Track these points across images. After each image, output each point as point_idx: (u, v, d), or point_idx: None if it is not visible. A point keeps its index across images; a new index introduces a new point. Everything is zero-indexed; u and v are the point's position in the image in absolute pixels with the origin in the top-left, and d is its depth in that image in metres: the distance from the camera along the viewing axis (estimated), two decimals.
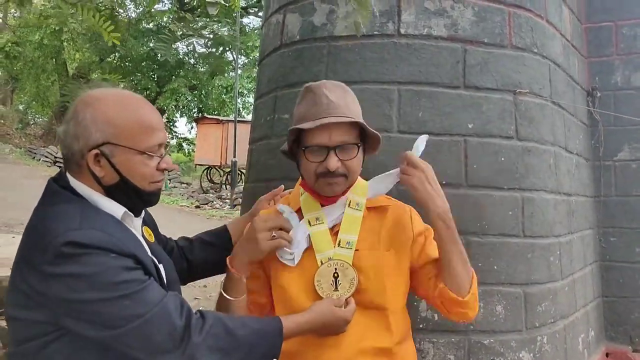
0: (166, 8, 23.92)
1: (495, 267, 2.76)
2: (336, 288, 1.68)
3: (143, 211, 1.60)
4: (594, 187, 4.08)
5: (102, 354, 1.33)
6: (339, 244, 1.71)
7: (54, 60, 22.54)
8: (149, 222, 1.72)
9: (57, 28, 19.56)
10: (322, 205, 1.76)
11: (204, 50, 25.77)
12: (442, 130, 2.76)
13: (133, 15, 24.10)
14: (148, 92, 24.58)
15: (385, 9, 2.81)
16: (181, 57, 24.73)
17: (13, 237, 8.28)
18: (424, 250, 1.81)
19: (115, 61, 23.75)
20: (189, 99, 24.34)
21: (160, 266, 1.53)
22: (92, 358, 1.33)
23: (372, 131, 1.74)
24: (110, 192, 1.43)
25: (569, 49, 3.63)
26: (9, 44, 22.19)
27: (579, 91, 3.85)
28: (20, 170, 16.85)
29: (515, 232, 2.83)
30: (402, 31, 2.80)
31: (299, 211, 1.79)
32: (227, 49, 23.48)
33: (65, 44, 22.30)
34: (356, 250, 1.72)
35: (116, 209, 1.45)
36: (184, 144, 27.13)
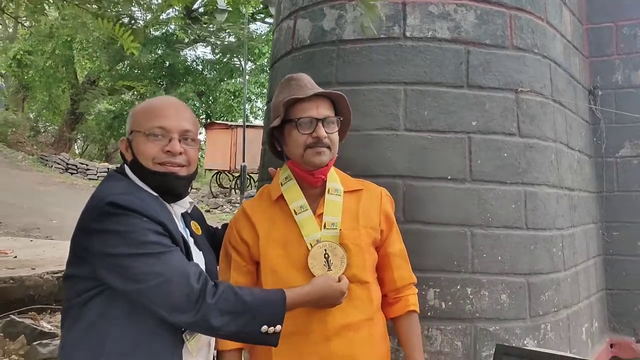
0: (173, 15, 24.21)
1: (500, 258, 2.89)
2: (329, 268, 1.84)
3: (188, 204, 1.84)
4: (597, 183, 4.20)
5: (130, 309, 1.51)
6: (324, 227, 1.89)
7: (64, 68, 22.81)
8: (198, 217, 1.96)
9: (68, 38, 19.83)
10: (310, 188, 1.95)
11: (211, 56, 26.05)
12: (446, 127, 2.89)
13: (141, 22, 24.40)
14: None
15: (391, 13, 2.96)
16: (189, 63, 24.95)
17: (31, 240, 8.47)
18: (387, 239, 2.06)
19: (124, 69, 24.00)
20: (197, 104, 24.56)
21: (198, 251, 1.76)
22: (122, 314, 1.51)
23: (348, 107, 2.02)
24: (132, 170, 1.70)
25: (570, 49, 3.76)
26: (21, 52, 22.48)
27: (580, 90, 3.98)
28: (33, 177, 17.10)
29: (518, 224, 2.95)
30: (408, 34, 2.95)
31: (279, 199, 1.95)
32: (235, 55, 23.71)
33: (75, 52, 22.58)
34: (341, 230, 1.90)
35: (151, 192, 1.72)
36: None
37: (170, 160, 1.69)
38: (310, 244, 1.86)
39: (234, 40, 23.81)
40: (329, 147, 1.90)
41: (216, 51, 25.07)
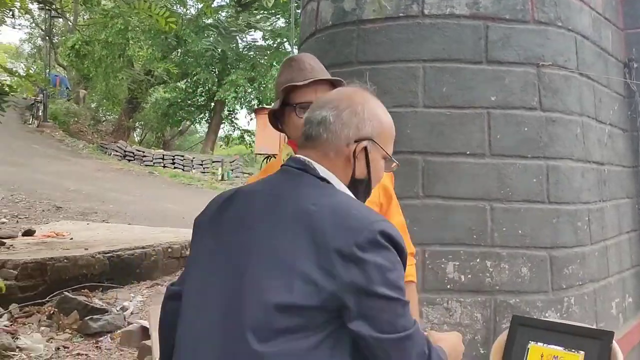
0: (224, 3, 24.56)
1: (520, 232, 2.92)
2: None
3: None
4: (632, 157, 4.12)
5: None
6: None
7: (120, 58, 23.51)
8: None
9: (122, 27, 20.40)
10: None
11: (261, 42, 26.32)
12: (465, 103, 2.93)
13: (193, 11, 24.88)
14: (209, 85, 25.31)
15: None
16: (240, 50, 25.26)
17: (87, 224, 8.91)
18: (387, 212, 2.12)
19: (177, 57, 24.53)
20: (248, 90, 24.89)
21: None
22: None
23: None
24: (354, 183, 1.45)
25: (600, 21, 3.70)
26: (79, 43, 23.26)
27: (613, 63, 3.90)
28: (93, 164, 17.80)
29: (539, 198, 2.97)
30: (426, 12, 2.99)
31: None
32: (284, 40, 23.87)
33: (131, 41, 23.22)
34: None
35: None
36: (245, 136, 27.77)
37: None
38: None
39: (283, 25, 23.97)
40: None
41: (265, 37, 25.31)
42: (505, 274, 2.90)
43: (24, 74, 3.55)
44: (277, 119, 2.07)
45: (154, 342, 2.71)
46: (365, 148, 1.41)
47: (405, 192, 2.89)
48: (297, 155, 1.47)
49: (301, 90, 1.94)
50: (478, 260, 2.89)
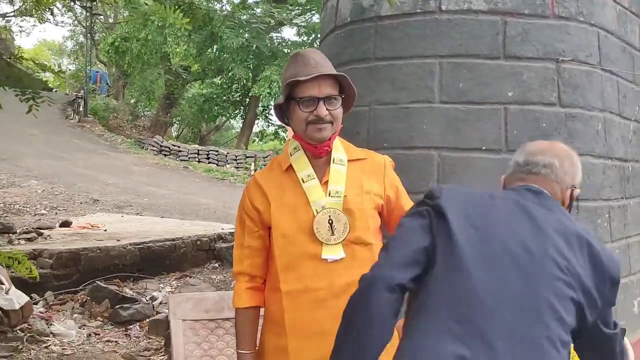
0: None
1: None
2: (332, 232, 1.98)
3: None
4: None
5: None
6: (329, 194, 2.01)
7: (157, 54, 23.90)
8: None
9: (159, 24, 20.74)
10: (316, 158, 2.06)
11: (296, 38, 26.44)
12: (481, 99, 2.94)
13: (228, 7, 25.12)
14: (244, 81, 25.53)
15: None
16: (275, 45, 25.40)
17: (122, 216, 9.14)
18: (398, 202, 2.14)
19: (212, 53, 24.80)
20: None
21: None
22: None
23: (351, 86, 2.04)
24: None
25: (626, 15, 3.64)
26: (118, 40, 23.75)
27: None
28: (130, 158, 18.17)
29: None
30: (443, 7, 3.00)
31: (288, 169, 2.08)
32: (319, 35, 23.96)
33: (168, 39, 23.60)
34: (345, 196, 2.02)
35: None
36: (279, 131, 27.96)
37: None
38: (316, 210, 2.00)
39: (317, 20, 24.04)
40: (330, 122, 1.99)
41: (300, 32, 25.41)
42: None
43: (57, 70, 3.68)
44: (283, 113, 2.12)
45: (173, 328, 2.80)
46: (572, 193, 1.75)
47: (420, 186, 2.91)
48: (532, 185, 1.73)
49: (304, 85, 1.96)
50: None
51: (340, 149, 2.11)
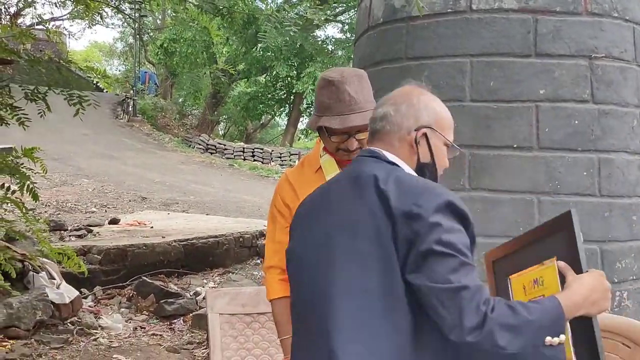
0: None
1: None
2: None
3: None
4: None
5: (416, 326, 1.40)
6: None
7: (204, 54, 24.34)
8: None
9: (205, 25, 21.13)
10: (341, 166, 2.09)
11: (340, 35, 26.49)
12: (512, 97, 2.95)
13: (273, 6, 25.37)
14: (288, 78, 25.74)
15: None
16: (319, 43, 25.51)
17: (168, 213, 9.40)
18: None
19: (258, 51, 25.09)
20: None
21: None
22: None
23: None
24: (420, 168, 1.57)
25: None
26: (167, 41, 24.30)
27: None
28: (177, 157, 18.62)
29: (590, 191, 2.95)
30: (474, 7, 3.02)
31: (319, 171, 2.13)
32: None
33: (215, 39, 24.04)
34: None
35: None
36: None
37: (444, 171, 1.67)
38: None
39: None
40: (359, 148, 1.98)
41: (344, 29, 25.44)
42: None
43: (103, 74, 3.86)
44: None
45: (210, 322, 2.92)
46: (425, 134, 1.56)
47: (451, 184, 2.95)
48: (367, 147, 1.63)
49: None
50: None
51: None
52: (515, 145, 2.94)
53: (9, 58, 3.47)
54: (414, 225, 1.37)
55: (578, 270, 1.46)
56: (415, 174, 1.54)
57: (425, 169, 1.57)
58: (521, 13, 2.98)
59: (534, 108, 2.94)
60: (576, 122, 2.96)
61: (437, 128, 1.58)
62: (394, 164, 1.55)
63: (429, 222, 1.35)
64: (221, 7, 4.06)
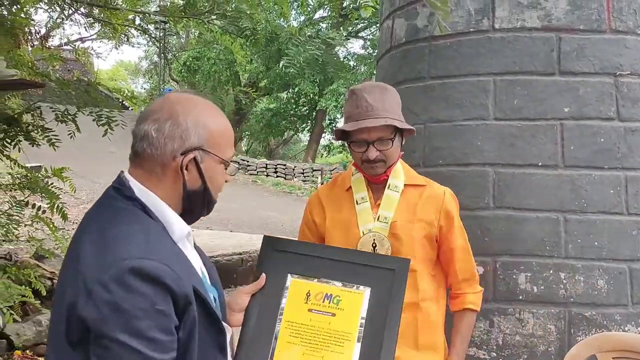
0: (325, 14, 25.09)
1: (596, 243, 2.88)
2: None
3: None
4: None
5: None
6: (378, 219, 2.10)
7: (227, 71, 24.66)
8: None
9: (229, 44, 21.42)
10: (372, 184, 2.16)
11: (362, 51, 26.62)
12: (537, 115, 2.95)
13: (295, 24, 25.61)
14: (310, 95, 25.90)
15: (479, 7, 3.06)
16: (341, 59, 25.68)
17: (192, 230, 9.48)
18: (448, 234, 2.18)
19: (280, 69, 25.34)
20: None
21: (212, 287, 1.55)
22: None
23: (405, 126, 2.09)
24: (188, 197, 1.40)
25: None
26: (190, 59, 24.69)
27: None
28: None
29: (617, 209, 2.92)
30: (497, 26, 3.03)
31: (349, 189, 2.19)
32: None
33: (238, 56, 24.34)
34: (394, 221, 2.09)
35: (183, 228, 1.42)
36: (346, 144, 28.21)
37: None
38: (363, 232, 2.10)
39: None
40: (383, 161, 2.07)
41: (365, 46, 25.59)
42: (580, 286, 2.88)
43: (130, 96, 3.96)
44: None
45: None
46: (194, 159, 1.37)
47: (475, 203, 2.96)
48: (122, 171, 1.42)
49: (354, 130, 2.05)
50: (551, 271, 2.89)
51: (398, 174, 2.17)
52: (540, 164, 2.93)
53: (40, 81, 3.57)
54: (91, 305, 1.17)
55: (396, 312, 1.46)
56: (165, 211, 1.37)
57: (195, 197, 1.41)
58: (544, 32, 2.98)
59: (558, 126, 2.93)
60: (602, 139, 2.94)
61: (211, 147, 1.39)
62: (136, 200, 1.35)
63: (106, 302, 1.17)
64: (245, 28, 4.15)
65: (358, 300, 1.47)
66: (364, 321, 1.45)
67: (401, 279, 1.47)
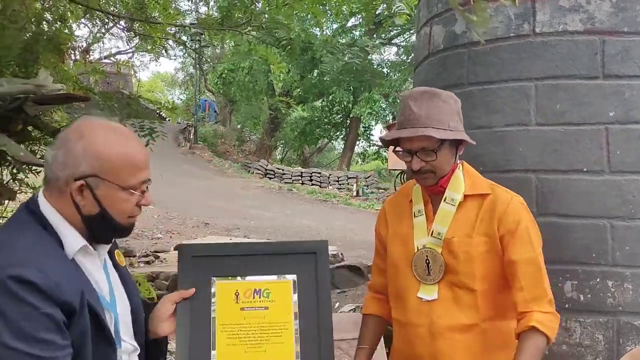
0: (358, 22, 25.11)
1: None
2: (429, 273, 1.97)
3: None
4: None
5: None
6: (431, 234, 1.99)
7: (262, 81, 24.89)
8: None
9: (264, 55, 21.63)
10: (432, 195, 2.04)
11: (396, 58, 26.56)
12: (581, 120, 2.89)
13: (328, 32, 25.73)
14: (344, 102, 25.92)
15: (520, 11, 3.02)
16: (375, 67, 25.66)
17: (230, 239, 9.58)
18: (509, 247, 1.96)
19: (314, 77, 25.44)
20: (383, 106, 25.18)
21: (122, 291, 1.60)
22: None
23: (448, 136, 1.93)
24: (87, 221, 1.44)
25: None
26: (225, 71, 25.00)
27: None
28: (237, 182, 18.99)
29: None
30: (538, 30, 2.99)
31: (410, 201, 2.10)
32: None
33: (272, 66, 24.57)
34: (451, 237, 1.96)
35: (73, 243, 1.44)
36: (381, 151, 28.10)
37: (138, 212, 1.53)
38: (417, 247, 2.01)
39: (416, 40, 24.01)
40: (431, 171, 1.94)
41: (399, 52, 25.51)
42: (629, 294, 2.80)
43: (170, 107, 4.02)
44: None
45: None
46: (88, 186, 1.40)
47: None
48: (40, 188, 1.49)
49: (399, 139, 1.97)
50: (598, 279, 2.82)
51: (458, 185, 2.02)
52: (585, 169, 2.87)
53: (84, 94, 3.65)
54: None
55: (325, 292, 1.49)
56: (66, 230, 1.42)
57: (93, 222, 1.44)
58: (587, 35, 2.93)
59: (603, 130, 2.87)
60: None
61: (107, 175, 1.41)
62: (36, 214, 1.41)
63: None
64: (282, 38, 4.18)
65: (287, 288, 1.52)
66: (297, 307, 1.50)
67: (324, 260, 1.52)
